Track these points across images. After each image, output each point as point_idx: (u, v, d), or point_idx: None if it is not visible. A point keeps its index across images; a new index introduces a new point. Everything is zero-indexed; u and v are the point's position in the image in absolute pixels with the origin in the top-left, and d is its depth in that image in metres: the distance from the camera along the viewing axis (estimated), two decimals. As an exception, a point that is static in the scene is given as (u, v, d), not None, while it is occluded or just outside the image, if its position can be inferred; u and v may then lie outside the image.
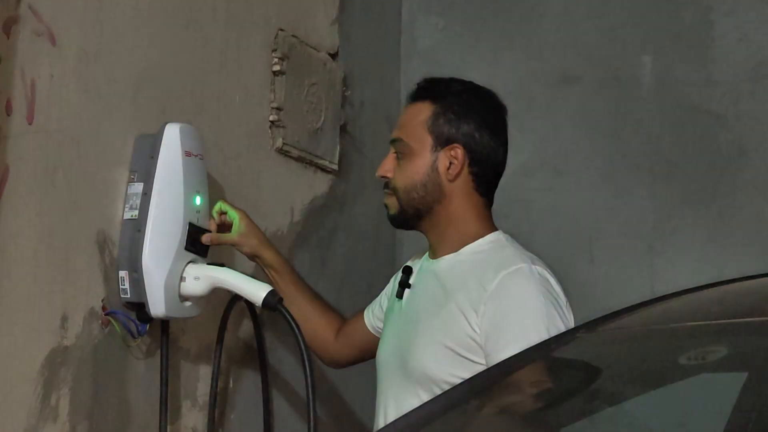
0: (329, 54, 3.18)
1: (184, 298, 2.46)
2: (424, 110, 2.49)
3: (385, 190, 2.52)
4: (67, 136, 2.31)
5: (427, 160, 2.47)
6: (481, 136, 2.48)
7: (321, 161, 3.13)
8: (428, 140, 2.47)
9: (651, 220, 3.42)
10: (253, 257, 2.67)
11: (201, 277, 2.46)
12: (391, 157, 2.51)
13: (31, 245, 2.23)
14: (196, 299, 2.49)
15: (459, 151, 2.46)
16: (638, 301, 2.07)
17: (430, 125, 2.48)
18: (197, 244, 2.48)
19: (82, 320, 2.34)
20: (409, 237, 3.55)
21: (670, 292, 2.10)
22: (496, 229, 2.50)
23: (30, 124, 2.22)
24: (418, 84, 2.56)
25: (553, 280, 2.40)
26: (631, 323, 1.98)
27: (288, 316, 2.44)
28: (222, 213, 2.59)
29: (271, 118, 2.93)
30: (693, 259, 3.38)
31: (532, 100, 3.53)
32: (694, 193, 3.41)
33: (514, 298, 2.35)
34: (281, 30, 2.96)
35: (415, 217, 2.50)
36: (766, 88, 3.38)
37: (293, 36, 3.00)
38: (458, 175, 2.47)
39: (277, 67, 2.93)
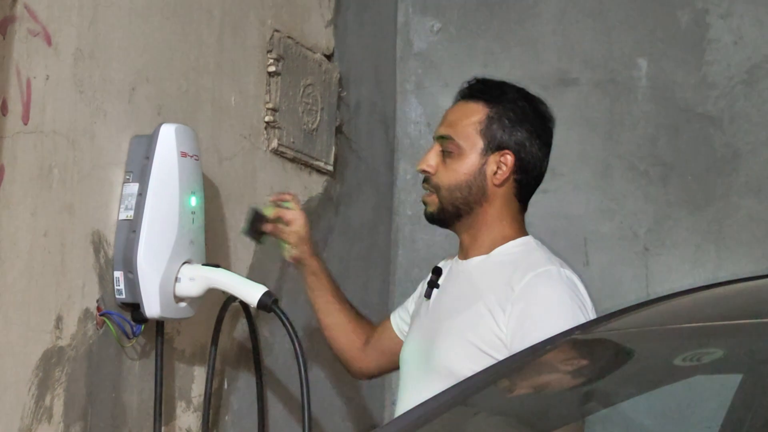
0: (325, 55, 3.18)
1: (179, 299, 2.46)
2: (477, 111, 2.47)
3: (424, 185, 2.50)
4: (62, 137, 2.30)
5: (476, 162, 2.45)
6: (531, 146, 2.47)
7: (316, 162, 3.13)
8: (480, 143, 2.46)
9: (646, 222, 3.43)
10: (297, 261, 2.66)
11: (196, 278, 2.46)
12: (435, 152, 2.48)
13: (26, 245, 2.23)
14: (191, 300, 2.49)
15: (509, 158, 2.45)
16: (633, 303, 2.07)
17: (483, 128, 2.46)
18: (257, 228, 2.55)
19: (77, 321, 2.33)
20: (404, 238, 3.55)
21: (665, 293, 2.10)
22: (527, 234, 2.51)
23: (25, 124, 2.22)
24: (469, 83, 2.53)
25: (580, 285, 2.40)
26: (626, 325, 1.98)
27: (283, 317, 2.44)
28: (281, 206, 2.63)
29: (266, 118, 2.93)
30: (688, 260, 3.38)
31: (528, 101, 3.52)
32: (689, 195, 3.41)
33: (541, 299, 2.35)
34: (277, 31, 2.96)
35: (454, 216, 2.48)
36: (760, 90, 3.38)
37: (289, 37, 3.00)
38: (505, 180, 2.46)
39: (272, 68, 2.93)
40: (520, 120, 2.47)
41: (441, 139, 2.48)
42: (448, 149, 2.47)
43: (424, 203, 2.51)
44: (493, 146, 2.45)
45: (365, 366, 2.72)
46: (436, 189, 2.47)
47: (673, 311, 2.00)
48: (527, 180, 2.49)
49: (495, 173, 2.45)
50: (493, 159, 2.45)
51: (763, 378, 1.94)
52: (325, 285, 2.67)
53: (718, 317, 1.94)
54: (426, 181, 2.50)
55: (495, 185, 2.46)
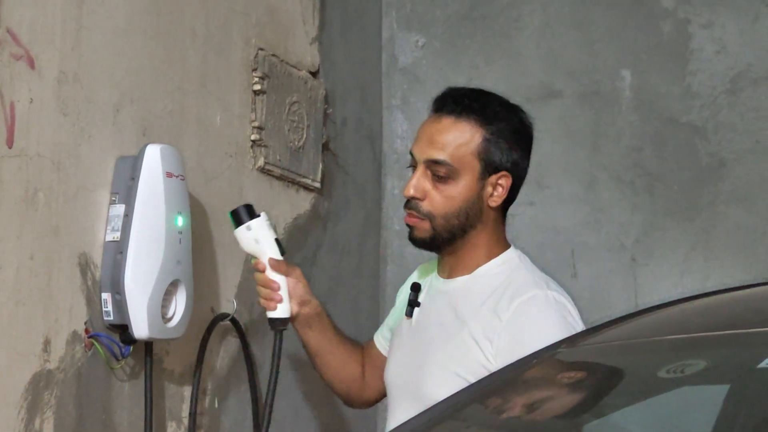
0: (310, 72, 3.19)
1: (167, 320, 2.46)
2: (472, 132, 2.35)
3: (409, 211, 2.37)
4: (47, 159, 2.30)
5: (473, 186, 2.35)
6: (523, 163, 2.41)
7: (303, 180, 3.13)
8: (477, 166, 2.35)
9: (633, 233, 3.44)
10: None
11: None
12: (423, 176, 2.36)
13: (12, 269, 2.22)
14: (180, 320, 2.49)
15: (507, 180, 2.37)
16: (622, 314, 2.07)
17: (480, 151, 2.35)
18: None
19: (65, 343, 2.33)
20: (392, 253, 3.56)
21: (653, 304, 2.11)
22: (508, 246, 2.43)
23: (10, 147, 2.22)
24: (455, 98, 2.40)
25: (569, 304, 2.34)
26: (613, 337, 1.98)
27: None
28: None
29: (252, 137, 2.93)
30: (676, 270, 3.39)
31: (513, 114, 3.54)
32: (676, 204, 3.42)
33: (530, 328, 2.28)
34: (261, 49, 2.96)
35: (447, 242, 2.37)
36: (744, 99, 3.40)
37: (273, 55, 3.01)
38: (501, 200, 2.39)
39: (257, 87, 2.93)
40: (516, 139, 2.39)
41: (432, 162, 2.35)
42: (440, 174, 2.34)
43: (411, 226, 2.38)
44: (491, 169, 2.36)
45: (370, 394, 2.60)
46: (429, 217, 2.35)
47: (659, 322, 2.01)
48: (514, 195, 2.43)
49: (491, 195, 2.37)
50: (490, 182, 2.36)
51: (751, 387, 1.95)
52: (326, 323, 2.54)
53: (707, 327, 1.94)
54: (411, 205, 2.37)
55: (490, 207, 2.37)
